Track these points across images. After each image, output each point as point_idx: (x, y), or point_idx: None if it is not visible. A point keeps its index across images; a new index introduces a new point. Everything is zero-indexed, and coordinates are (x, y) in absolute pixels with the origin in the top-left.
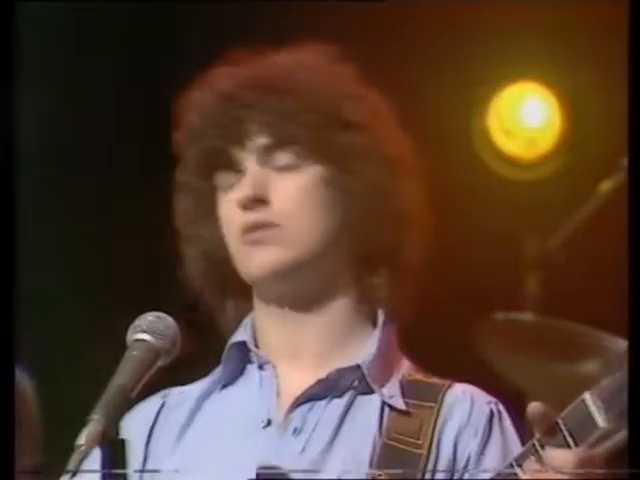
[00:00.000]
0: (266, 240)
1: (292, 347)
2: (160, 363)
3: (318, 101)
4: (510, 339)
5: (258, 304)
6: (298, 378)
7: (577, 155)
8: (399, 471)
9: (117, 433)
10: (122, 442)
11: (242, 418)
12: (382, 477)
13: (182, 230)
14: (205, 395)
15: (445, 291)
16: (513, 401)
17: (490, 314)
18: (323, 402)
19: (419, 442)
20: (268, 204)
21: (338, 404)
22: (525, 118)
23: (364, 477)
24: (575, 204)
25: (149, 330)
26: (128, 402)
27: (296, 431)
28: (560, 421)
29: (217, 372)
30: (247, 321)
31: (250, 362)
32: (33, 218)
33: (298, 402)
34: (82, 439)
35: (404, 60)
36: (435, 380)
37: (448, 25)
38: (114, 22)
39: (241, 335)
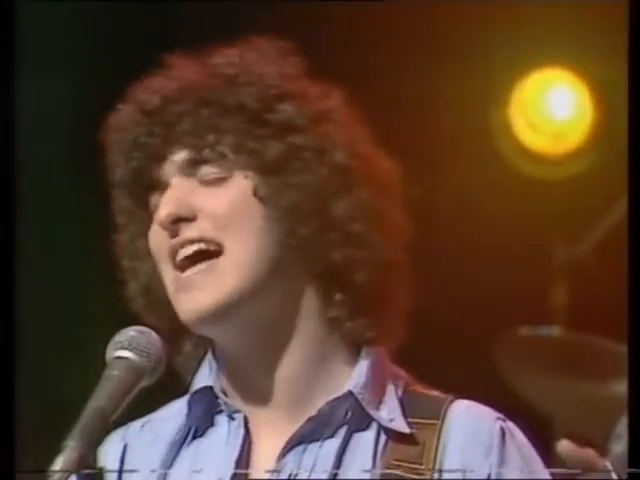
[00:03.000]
0: (199, 277)
1: (262, 392)
2: (143, 384)
3: (244, 102)
4: (535, 356)
5: (217, 344)
6: (274, 424)
7: (610, 151)
8: None
9: (95, 460)
10: (100, 471)
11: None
12: None
13: (121, 262)
14: (174, 448)
15: (462, 302)
16: (537, 424)
17: (513, 328)
18: (318, 442)
19: (422, 467)
20: (194, 221)
21: (334, 441)
22: (552, 109)
23: None
24: (607, 205)
25: (131, 347)
26: (107, 427)
27: (291, 476)
28: (608, 463)
29: (180, 408)
30: (210, 358)
31: (218, 411)
32: (33, 219)
33: (291, 445)
34: (57, 467)
35: (416, 46)
36: (436, 393)
37: (466, 5)
38: (114, 21)
39: (206, 378)
